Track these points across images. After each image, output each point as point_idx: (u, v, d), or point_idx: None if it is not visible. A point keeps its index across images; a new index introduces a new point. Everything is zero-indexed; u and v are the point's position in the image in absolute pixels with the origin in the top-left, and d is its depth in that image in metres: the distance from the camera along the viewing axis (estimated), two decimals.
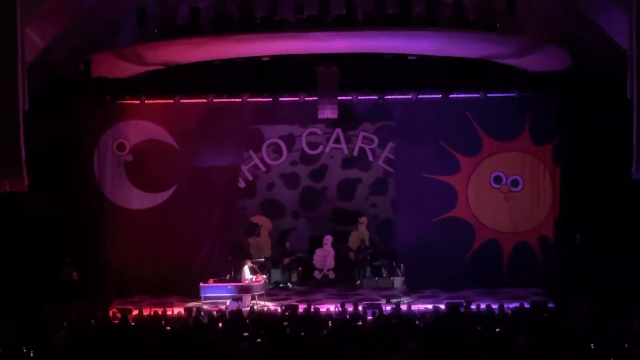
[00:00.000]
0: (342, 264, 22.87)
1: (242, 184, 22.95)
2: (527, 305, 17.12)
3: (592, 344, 13.18)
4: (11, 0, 14.28)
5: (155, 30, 18.81)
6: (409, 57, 20.23)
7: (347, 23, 18.28)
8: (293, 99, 21.71)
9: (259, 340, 14.01)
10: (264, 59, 20.04)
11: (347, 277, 22.63)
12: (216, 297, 20.02)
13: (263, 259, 22.19)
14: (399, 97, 21.68)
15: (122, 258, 21.20)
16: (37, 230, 20.45)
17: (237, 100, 21.63)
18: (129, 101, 21.57)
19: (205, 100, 21.56)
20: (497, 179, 21.92)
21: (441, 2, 18.74)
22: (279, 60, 20.11)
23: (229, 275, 20.74)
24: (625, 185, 17.43)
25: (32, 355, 13.62)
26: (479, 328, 14.61)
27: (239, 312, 17.02)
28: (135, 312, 18.14)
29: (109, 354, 13.35)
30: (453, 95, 21.51)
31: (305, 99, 21.52)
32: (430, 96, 21.61)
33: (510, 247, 21.85)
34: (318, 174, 23.56)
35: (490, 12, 18.62)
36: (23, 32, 14.67)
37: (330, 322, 15.85)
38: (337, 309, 17.71)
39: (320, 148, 23.32)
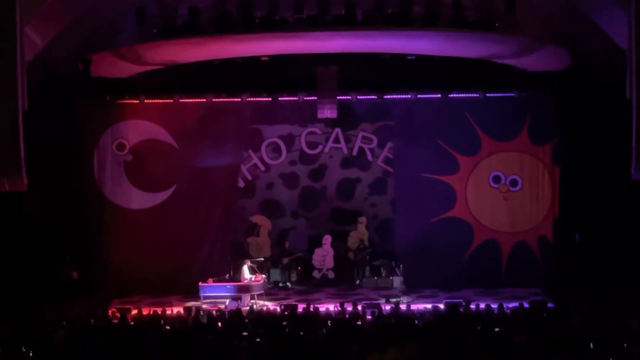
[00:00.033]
0: (342, 264, 22.87)
1: (241, 184, 22.94)
2: (526, 305, 17.11)
3: (591, 344, 13.19)
4: (11, 0, 14.30)
5: (155, 30, 18.82)
6: (409, 57, 20.25)
7: (346, 23, 18.29)
8: (292, 98, 21.73)
9: (258, 339, 14.02)
10: (264, 58, 20.05)
11: (346, 277, 22.62)
12: (215, 296, 20.03)
13: (262, 259, 22.19)
14: (398, 96, 21.69)
15: (122, 258, 21.21)
16: (37, 230, 20.47)
17: (237, 100, 21.65)
18: (128, 101, 21.59)
19: (204, 100, 21.58)
20: (496, 179, 21.92)
21: (441, 2, 18.74)
22: (278, 60, 20.11)
23: (228, 274, 20.75)
24: (624, 185, 17.45)
25: (31, 354, 13.63)
26: (479, 328, 14.62)
27: (238, 311, 17.02)
28: (134, 311, 18.14)
29: (108, 353, 13.36)
30: (452, 95, 21.53)
31: (305, 98, 21.55)
32: (429, 96, 21.63)
33: (509, 247, 21.84)
34: (317, 173, 23.56)
35: (490, 12, 18.62)
36: (23, 32, 14.70)
37: (329, 321, 15.85)
38: (336, 309, 17.70)
39: (320, 148, 23.32)
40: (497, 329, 14.51)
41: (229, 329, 15.17)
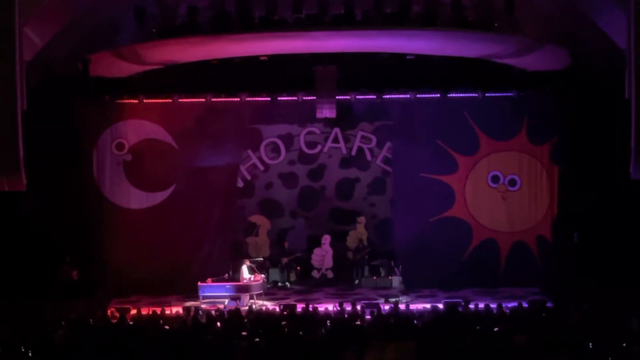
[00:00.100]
0: (341, 264, 22.87)
1: (240, 184, 22.92)
2: (525, 305, 17.10)
3: (590, 344, 13.22)
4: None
5: (154, 30, 18.82)
6: (407, 57, 20.26)
7: (345, 22, 18.29)
8: (291, 98, 21.71)
9: (257, 339, 14.03)
10: (262, 58, 20.03)
11: (345, 277, 22.62)
12: (214, 296, 20.02)
13: (261, 259, 22.18)
14: (397, 96, 21.69)
15: (121, 257, 21.21)
16: (36, 230, 20.47)
17: (236, 99, 21.63)
18: (127, 100, 21.57)
19: (203, 100, 21.57)
20: (495, 179, 21.92)
21: (440, 2, 18.73)
22: (277, 60, 20.10)
23: (227, 274, 20.74)
24: (623, 185, 17.44)
25: (31, 354, 13.63)
26: (478, 327, 14.63)
27: (237, 311, 17.03)
28: (133, 311, 18.15)
29: (107, 353, 13.37)
30: (451, 95, 21.52)
31: (304, 98, 21.53)
32: (428, 95, 21.62)
33: (507, 247, 21.84)
34: (316, 173, 23.55)
35: (489, 11, 18.62)
36: (21, 32, 14.69)
37: (328, 321, 15.86)
38: (335, 309, 17.70)
39: (319, 147, 23.31)
40: (496, 329, 14.53)
41: (228, 329, 15.18)
